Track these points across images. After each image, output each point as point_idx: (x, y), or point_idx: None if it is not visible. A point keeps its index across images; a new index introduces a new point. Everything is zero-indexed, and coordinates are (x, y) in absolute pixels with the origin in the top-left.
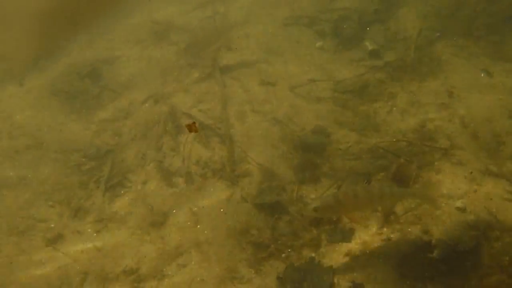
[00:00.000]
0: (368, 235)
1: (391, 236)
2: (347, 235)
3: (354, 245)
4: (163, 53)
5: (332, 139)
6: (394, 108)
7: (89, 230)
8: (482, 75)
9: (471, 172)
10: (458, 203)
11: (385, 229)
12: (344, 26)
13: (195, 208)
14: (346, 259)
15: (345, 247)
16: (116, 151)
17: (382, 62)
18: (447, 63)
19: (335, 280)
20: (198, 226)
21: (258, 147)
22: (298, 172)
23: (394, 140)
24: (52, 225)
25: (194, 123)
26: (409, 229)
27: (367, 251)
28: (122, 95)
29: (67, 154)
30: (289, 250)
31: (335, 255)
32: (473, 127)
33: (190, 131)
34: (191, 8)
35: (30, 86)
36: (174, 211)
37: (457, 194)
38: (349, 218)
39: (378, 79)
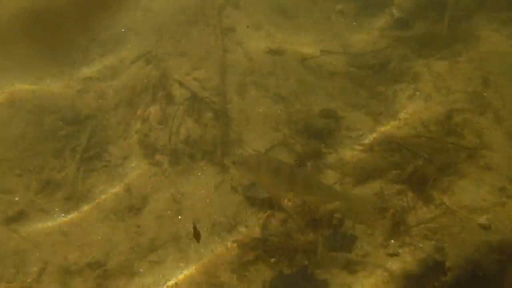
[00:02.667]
0: (371, 246)
1: (399, 251)
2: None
3: (354, 256)
4: (161, 5)
5: (343, 124)
6: (418, 93)
7: (57, 209)
8: None
9: (501, 181)
10: (482, 219)
11: (392, 241)
12: None
13: (178, 195)
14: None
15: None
16: (98, 117)
17: (409, 34)
18: (486, 41)
19: None
20: (179, 217)
21: (257, 128)
22: (300, 162)
23: (414, 132)
24: (17, 199)
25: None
26: (421, 245)
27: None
28: (112, 51)
29: (42, 116)
30: (279, 254)
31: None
32: (509, 123)
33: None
34: None
35: None
36: (154, 195)
37: (481, 207)
38: (267, 192)
39: (402, 55)
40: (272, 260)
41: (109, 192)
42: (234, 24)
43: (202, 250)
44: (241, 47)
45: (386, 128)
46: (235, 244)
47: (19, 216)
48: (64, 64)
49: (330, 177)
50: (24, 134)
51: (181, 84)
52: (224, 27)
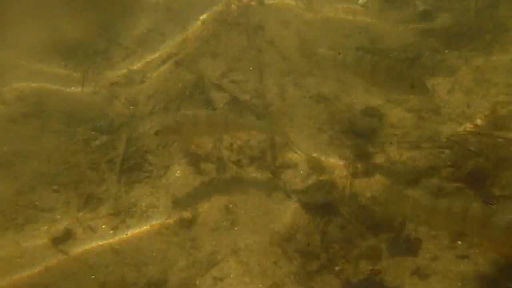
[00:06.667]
0: (438, 249)
1: (468, 252)
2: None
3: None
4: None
5: (385, 122)
6: (457, 86)
7: (104, 226)
8: None
9: None
10: None
11: (459, 242)
12: None
13: (231, 205)
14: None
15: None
16: (132, 125)
17: (435, 25)
18: None
19: None
20: (236, 229)
21: (302, 130)
22: (349, 163)
23: (462, 128)
24: (58, 217)
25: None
26: None
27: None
28: (135, 53)
29: (73, 126)
30: (343, 261)
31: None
32: None
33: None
34: None
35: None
36: (205, 206)
37: None
38: (192, 143)
39: (432, 48)
40: (337, 268)
41: (156, 205)
42: (262, 23)
43: (264, 261)
44: (274, 46)
45: (430, 124)
46: (297, 254)
47: (65, 236)
48: (87, 69)
49: (380, 180)
50: (57, 147)
51: (218, 87)
52: (253, 25)
